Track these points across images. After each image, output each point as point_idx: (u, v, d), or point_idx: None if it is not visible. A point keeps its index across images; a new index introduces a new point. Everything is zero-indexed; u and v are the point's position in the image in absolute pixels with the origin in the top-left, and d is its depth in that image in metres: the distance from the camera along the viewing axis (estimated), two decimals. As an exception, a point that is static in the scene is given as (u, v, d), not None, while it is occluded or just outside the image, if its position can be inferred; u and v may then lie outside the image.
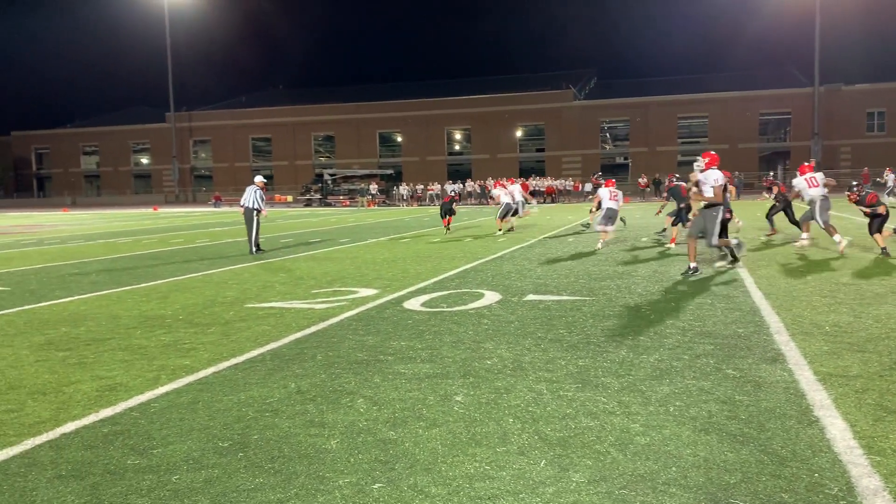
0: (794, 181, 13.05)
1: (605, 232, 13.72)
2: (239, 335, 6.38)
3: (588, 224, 18.89)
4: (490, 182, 40.51)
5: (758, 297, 7.74)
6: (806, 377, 4.63)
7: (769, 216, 15.71)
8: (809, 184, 12.51)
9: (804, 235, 13.09)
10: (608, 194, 14.00)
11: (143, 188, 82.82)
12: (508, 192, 18.42)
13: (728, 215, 10.94)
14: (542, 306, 7.47)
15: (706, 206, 9.63)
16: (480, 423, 3.94)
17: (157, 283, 10.15)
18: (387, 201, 54.84)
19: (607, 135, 71.97)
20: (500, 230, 18.09)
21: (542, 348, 5.61)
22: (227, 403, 4.39)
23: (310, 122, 76.33)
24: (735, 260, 10.38)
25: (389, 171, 64.17)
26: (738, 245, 10.24)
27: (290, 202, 61.37)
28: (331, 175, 56.77)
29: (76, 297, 8.93)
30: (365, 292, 8.66)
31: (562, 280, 9.38)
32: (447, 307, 7.55)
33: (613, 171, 67.26)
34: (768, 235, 15.06)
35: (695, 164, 10.11)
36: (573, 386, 4.58)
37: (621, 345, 5.66)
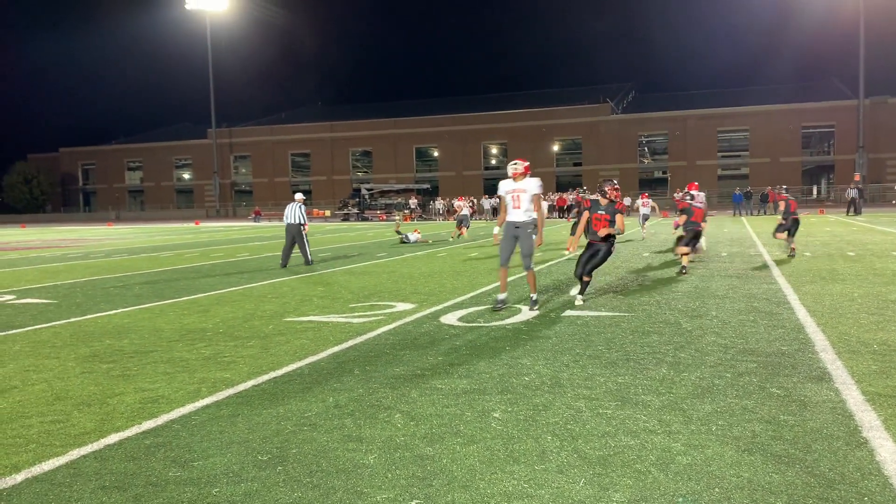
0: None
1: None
2: (278, 349, 6.44)
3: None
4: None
5: (802, 313, 7.57)
6: (854, 397, 4.50)
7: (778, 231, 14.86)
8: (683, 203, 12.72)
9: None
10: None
11: (186, 203, 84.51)
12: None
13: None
14: (580, 322, 7.40)
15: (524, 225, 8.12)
16: (518, 440, 3.91)
17: (197, 296, 10.32)
18: (423, 215, 55.09)
19: (645, 149, 71.39)
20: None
21: (581, 365, 5.55)
22: (266, 417, 4.43)
23: (347, 138, 77.20)
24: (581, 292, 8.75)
25: (426, 186, 64.48)
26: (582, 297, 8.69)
27: (327, 216, 62.01)
28: (368, 190, 57.26)
29: (120, 310, 9.11)
30: (402, 307, 8.68)
31: (599, 296, 9.28)
32: (484, 322, 7.52)
33: (652, 185, 66.73)
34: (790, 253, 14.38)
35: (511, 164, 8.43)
36: (613, 403, 4.52)
37: (662, 362, 5.58)
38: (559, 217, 47.64)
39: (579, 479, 3.36)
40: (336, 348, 6.38)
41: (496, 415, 4.35)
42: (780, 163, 63.25)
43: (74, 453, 3.87)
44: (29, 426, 4.37)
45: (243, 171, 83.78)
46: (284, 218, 14.83)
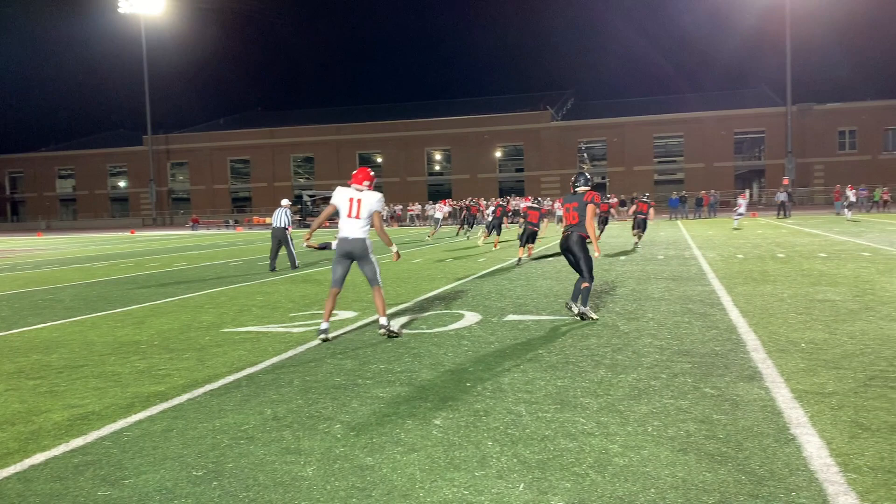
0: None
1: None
2: (215, 361, 6.30)
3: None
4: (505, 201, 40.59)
5: (735, 314, 7.79)
6: (783, 395, 4.65)
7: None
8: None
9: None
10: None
11: (121, 212, 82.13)
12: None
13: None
14: (521, 326, 7.46)
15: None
16: (459, 446, 3.91)
17: (132, 307, 10.02)
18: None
19: (585, 155, 72.67)
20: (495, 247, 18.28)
21: (522, 369, 5.59)
22: (202, 431, 4.32)
23: (289, 144, 76.29)
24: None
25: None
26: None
27: (268, 224, 61.06)
28: (310, 196, 56.66)
29: (49, 324, 8.78)
30: (344, 315, 8.60)
31: (542, 300, 9.38)
32: (427, 329, 7.51)
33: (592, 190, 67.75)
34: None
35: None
36: (552, 407, 4.56)
37: (600, 364, 5.66)
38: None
39: (519, 483, 3.37)
40: (275, 359, 6.28)
41: (437, 422, 4.34)
42: (714, 167, 65.18)
43: (-4, 475, 3.70)
44: (-53, 448, 4.16)
45: (181, 178, 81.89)
46: (273, 222, 15.64)
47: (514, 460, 3.67)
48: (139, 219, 76.86)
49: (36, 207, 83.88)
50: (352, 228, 6.96)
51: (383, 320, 7.09)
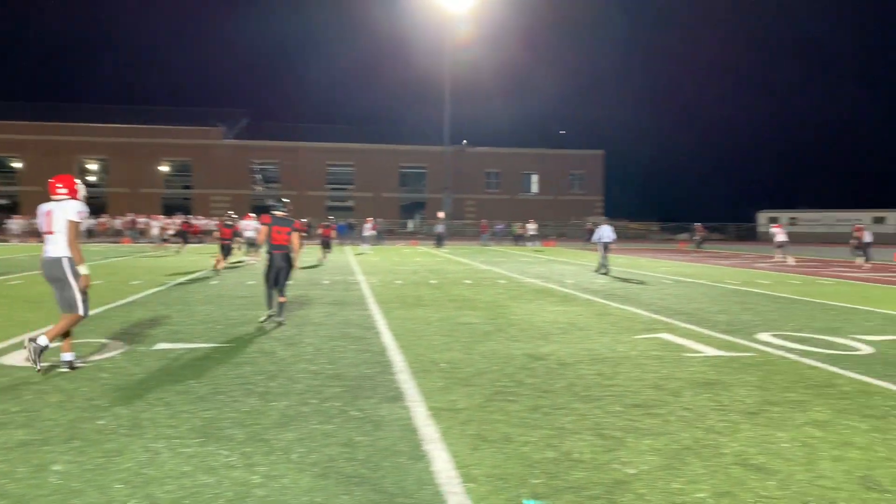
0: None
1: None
2: None
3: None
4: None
5: (388, 337, 8.24)
6: (420, 413, 5.00)
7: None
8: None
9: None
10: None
11: None
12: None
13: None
14: (172, 355, 7.00)
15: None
16: (81, 493, 3.49)
17: None
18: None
19: (259, 176, 71.86)
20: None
21: (167, 402, 5.23)
22: None
23: None
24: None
25: (4, 202, 55.80)
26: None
27: None
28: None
29: None
30: (-49, 346, 7.25)
31: (198, 326, 8.94)
32: (57, 360, 6.66)
33: (265, 212, 67.17)
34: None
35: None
36: (196, 441, 4.33)
37: (252, 393, 5.54)
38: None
39: (146, 529, 3.11)
40: None
41: (57, 467, 3.84)
42: (382, 198, 69.09)
43: None
44: None
45: None
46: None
47: (146, 502, 3.39)
48: None
49: None
50: (47, 246, 6.17)
51: (67, 356, 6.32)
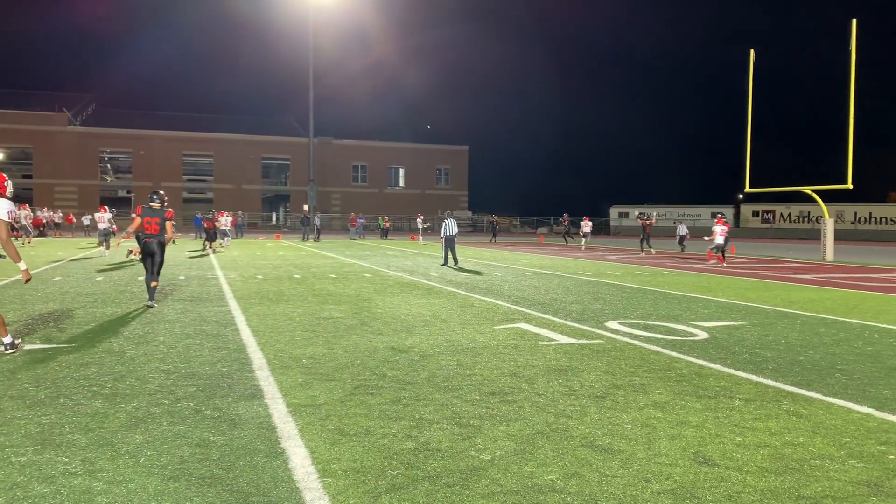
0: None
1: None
2: None
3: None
4: None
5: (246, 334, 8.02)
6: (279, 410, 4.91)
7: None
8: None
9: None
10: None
11: None
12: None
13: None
14: (5, 358, 6.46)
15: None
16: None
17: None
18: None
19: (108, 165, 67.60)
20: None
21: (-2, 408, 4.83)
22: None
23: None
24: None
25: None
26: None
27: None
28: None
29: None
30: None
31: (37, 326, 8.30)
32: None
33: (115, 203, 63.38)
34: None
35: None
36: (31, 448, 4.03)
37: (97, 395, 5.22)
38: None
39: (-29, 546, 2.87)
40: None
41: None
42: (243, 189, 66.90)
43: None
44: None
45: None
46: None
47: (-29, 519, 3.12)
48: None
49: None
50: None
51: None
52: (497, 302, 11.41)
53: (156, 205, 10.44)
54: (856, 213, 59.84)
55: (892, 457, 4.14)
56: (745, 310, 10.84)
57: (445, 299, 11.71)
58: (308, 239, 40.14)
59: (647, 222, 28.97)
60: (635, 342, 7.85)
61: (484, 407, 5.09)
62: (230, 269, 17.82)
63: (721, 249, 21.56)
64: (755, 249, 34.27)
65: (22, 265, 6.51)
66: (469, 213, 72.81)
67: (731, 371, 6.42)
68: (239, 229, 45.42)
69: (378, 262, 21.54)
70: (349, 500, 3.40)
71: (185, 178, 67.45)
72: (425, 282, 14.83)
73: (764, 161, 31.95)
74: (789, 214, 62.44)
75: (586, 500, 3.45)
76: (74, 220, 46.43)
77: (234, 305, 10.52)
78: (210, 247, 26.36)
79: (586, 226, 35.45)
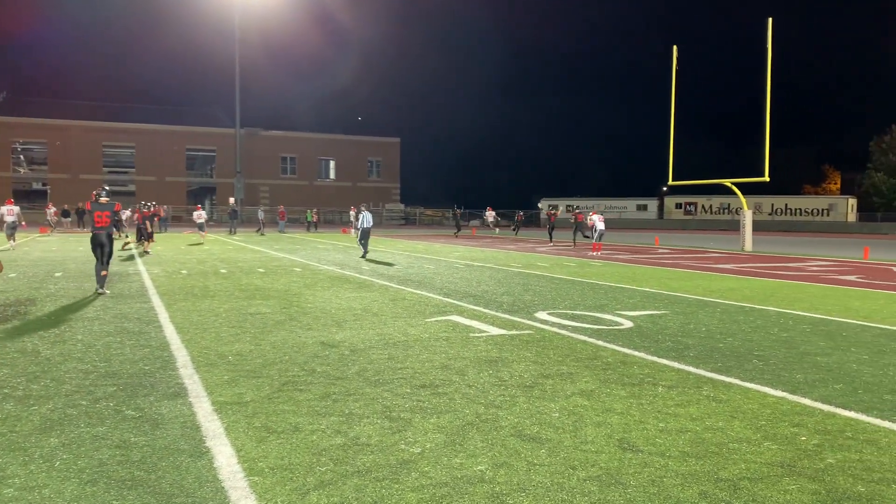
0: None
1: None
2: None
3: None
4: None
5: (170, 331, 7.79)
6: (204, 409, 4.79)
7: None
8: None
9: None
10: None
11: None
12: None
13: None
14: None
15: None
16: None
17: None
18: None
19: (21, 157, 64.45)
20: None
21: None
22: None
23: None
24: None
25: None
26: None
27: None
28: None
29: None
30: None
31: (-58, 326, 7.86)
32: None
33: (29, 197, 60.56)
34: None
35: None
36: (-65, 456, 3.81)
37: (9, 397, 4.98)
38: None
39: None
40: None
41: None
42: (167, 182, 64.85)
43: None
44: None
45: None
46: None
47: None
48: None
49: None
50: None
51: None
52: (429, 295, 11.42)
53: (104, 199, 11.13)
54: (773, 205, 62.57)
55: (803, 438, 4.34)
56: (668, 299, 11.18)
57: (377, 293, 11.65)
58: (235, 232, 39.25)
59: (553, 213, 35.62)
60: (563, 332, 7.99)
61: (415, 400, 5.09)
62: (153, 264, 17.27)
63: (600, 237, 23.26)
64: (678, 240, 35.40)
65: None
66: (401, 206, 72.63)
67: (655, 359, 6.61)
68: (163, 223, 44.04)
69: (308, 255, 21.26)
70: (276, 498, 3.35)
71: (106, 170, 64.88)
72: (357, 275, 14.72)
73: (686, 155, 33.08)
74: (710, 206, 64.71)
75: (514, 489, 3.49)
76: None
77: (157, 302, 10.20)
78: (146, 246, 22.21)
79: (490, 215, 46.23)
